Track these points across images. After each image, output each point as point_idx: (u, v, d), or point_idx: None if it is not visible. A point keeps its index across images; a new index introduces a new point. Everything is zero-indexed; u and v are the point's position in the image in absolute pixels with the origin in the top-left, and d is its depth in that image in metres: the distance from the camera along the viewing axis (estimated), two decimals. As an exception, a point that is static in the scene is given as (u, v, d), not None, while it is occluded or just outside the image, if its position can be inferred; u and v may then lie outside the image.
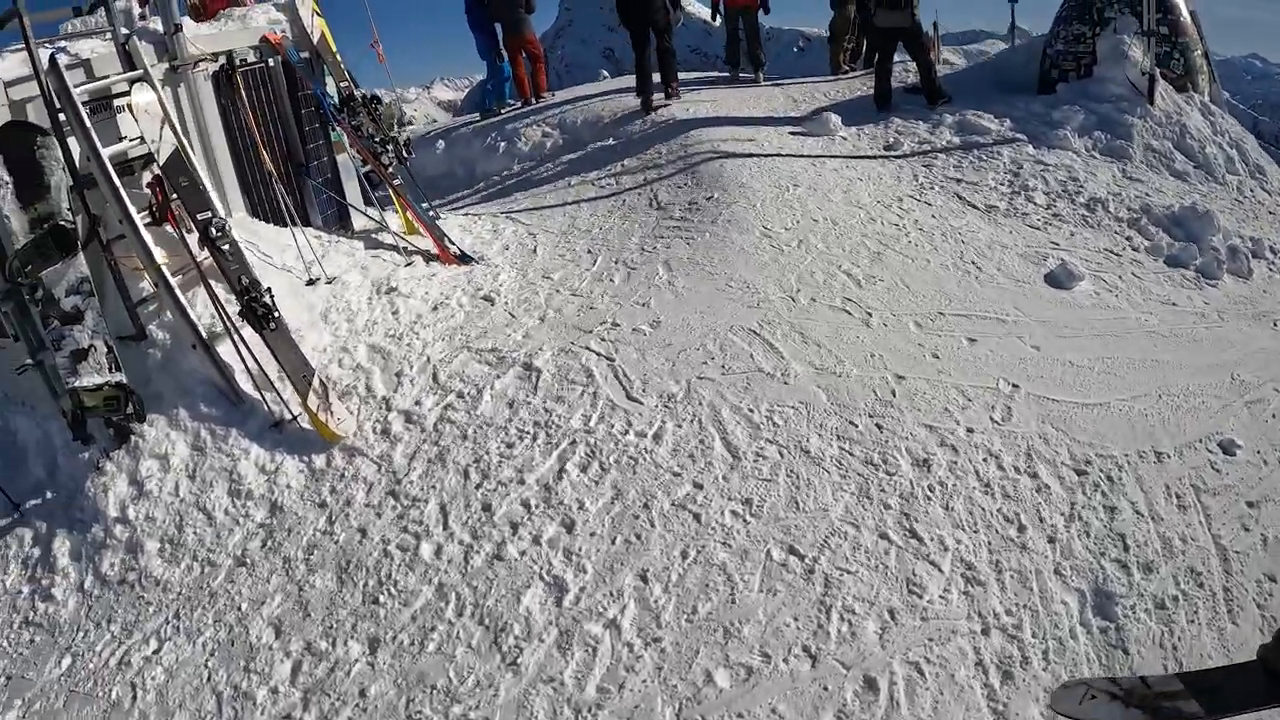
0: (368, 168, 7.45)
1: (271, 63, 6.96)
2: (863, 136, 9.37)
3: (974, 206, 7.74)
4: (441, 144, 12.17)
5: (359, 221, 7.56)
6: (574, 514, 4.33)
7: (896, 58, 10.33)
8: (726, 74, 12.77)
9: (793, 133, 9.47)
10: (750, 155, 8.48)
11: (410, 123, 16.40)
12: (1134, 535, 3.95)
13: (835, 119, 9.41)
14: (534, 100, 12.46)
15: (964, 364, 5.41)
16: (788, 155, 8.59)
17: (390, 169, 7.06)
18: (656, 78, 10.80)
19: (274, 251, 6.16)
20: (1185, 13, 9.89)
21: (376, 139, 7.20)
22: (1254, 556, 3.83)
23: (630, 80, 13.37)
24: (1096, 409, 4.93)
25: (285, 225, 6.33)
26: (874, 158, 8.79)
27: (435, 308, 6.18)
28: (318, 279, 6.11)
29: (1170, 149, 8.66)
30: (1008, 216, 7.62)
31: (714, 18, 12.34)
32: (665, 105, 10.64)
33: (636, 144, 9.66)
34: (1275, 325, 6.04)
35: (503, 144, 11.21)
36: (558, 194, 8.74)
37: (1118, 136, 8.79)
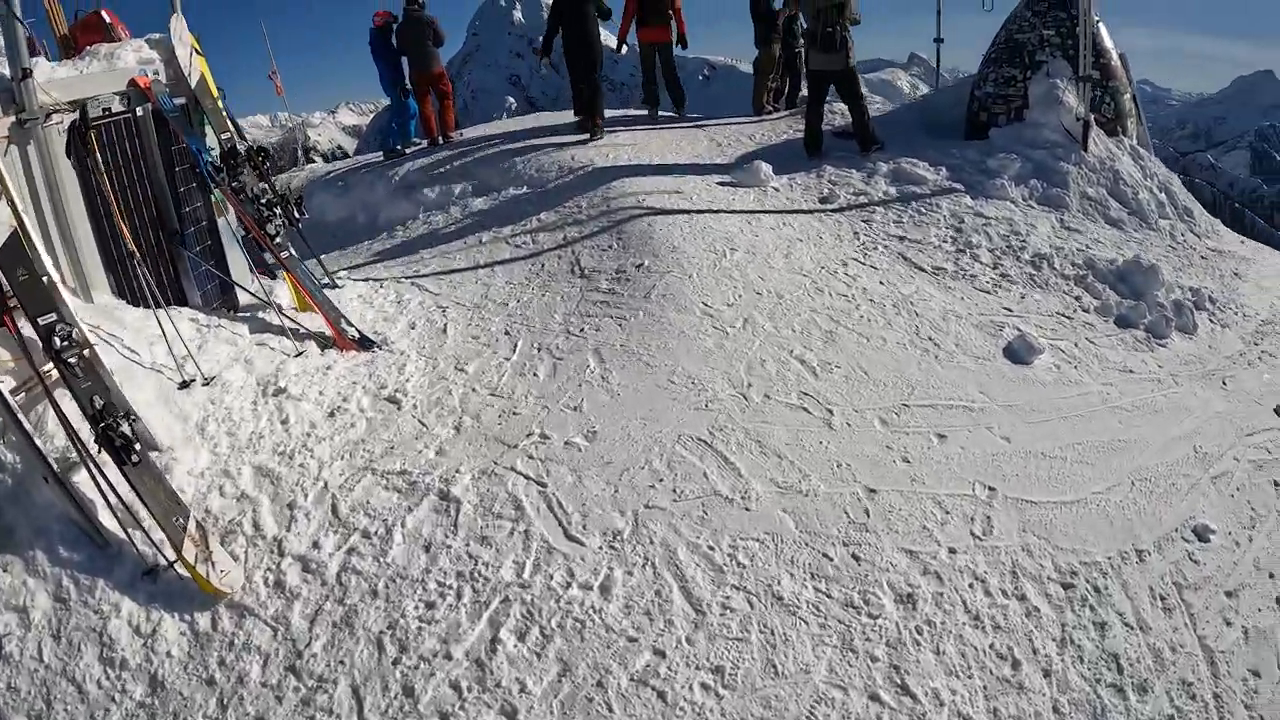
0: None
1: (140, 112, 5.92)
2: (796, 187, 8.81)
3: (921, 269, 7.23)
4: (342, 186, 11.23)
5: (245, 295, 6.59)
6: (515, 698, 3.52)
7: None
8: (645, 112, 12.10)
9: (721, 183, 8.85)
10: (679, 211, 7.82)
11: (313, 159, 15.33)
12: (1126, 653, 3.73)
13: (766, 168, 8.84)
14: (441, 140, 11.62)
15: (937, 467, 4.85)
16: (719, 211, 7.95)
17: (278, 238, 6.12)
18: None
19: (141, 346, 5.18)
20: (1115, 56, 9.68)
21: (263, 200, 6.26)
22: (1238, 654, 3.76)
23: (542, 119, 12.77)
24: (1074, 507, 4.58)
25: (158, 306, 5.35)
26: (810, 212, 8.24)
27: (332, 413, 5.28)
28: (193, 380, 5.16)
29: (1105, 196, 8.45)
30: (956, 279, 7.13)
31: (619, 48, 11.67)
32: (586, 140, 10.40)
33: (554, 194, 8.91)
34: (1224, 384, 5.93)
35: (407, 189, 10.34)
36: (469, 254, 7.91)
37: (1054, 184, 8.52)
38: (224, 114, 6.41)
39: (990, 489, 4.70)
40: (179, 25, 6.38)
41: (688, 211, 7.81)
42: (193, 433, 4.86)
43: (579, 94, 11.28)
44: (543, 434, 5.06)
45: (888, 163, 9.12)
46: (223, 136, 6.31)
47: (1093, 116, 8.94)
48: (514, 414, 5.30)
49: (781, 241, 7.43)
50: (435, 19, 11.32)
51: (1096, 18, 9.12)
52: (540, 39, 11.34)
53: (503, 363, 5.84)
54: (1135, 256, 7.31)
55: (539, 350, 5.95)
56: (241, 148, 6.27)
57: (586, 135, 10.69)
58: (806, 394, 5.45)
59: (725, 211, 7.97)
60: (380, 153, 12.16)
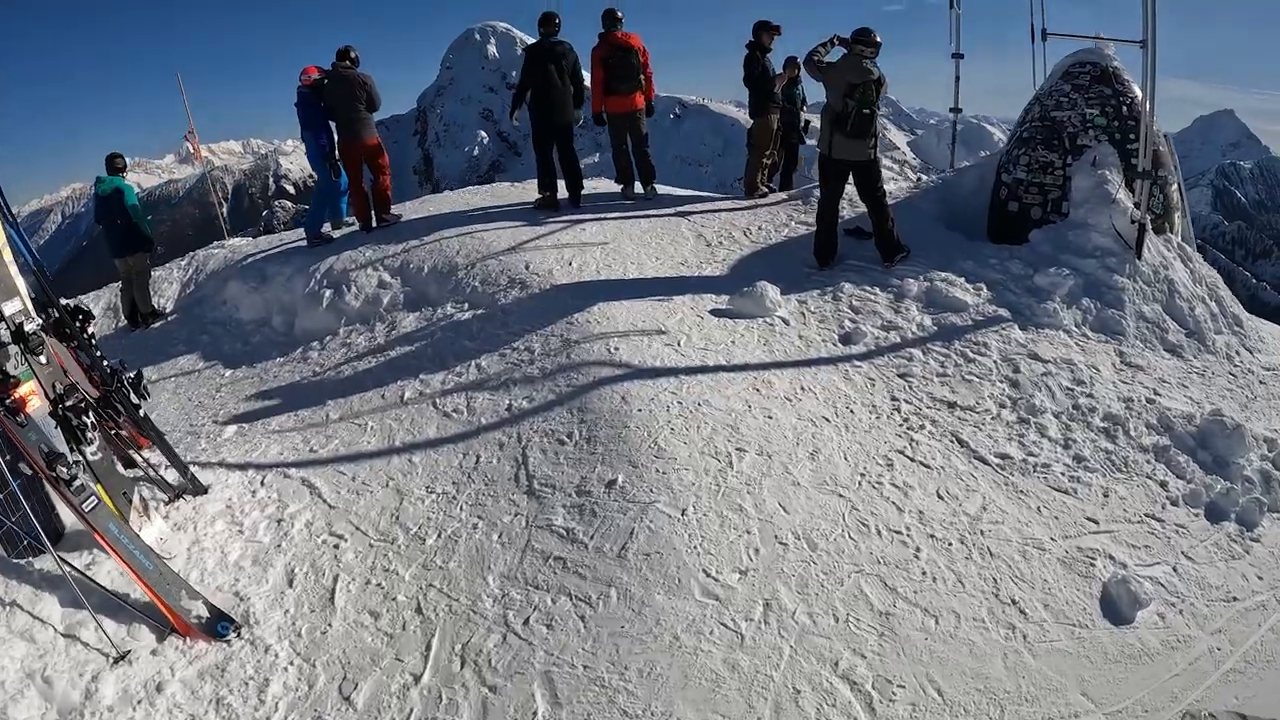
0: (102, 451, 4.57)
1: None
2: (809, 317, 7.02)
3: (983, 460, 5.47)
4: (258, 278, 9.33)
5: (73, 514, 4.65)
6: None
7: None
8: (618, 189, 10.29)
9: (716, 311, 7.04)
10: (664, 372, 5.98)
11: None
12: None
13: (772, 293, 7.05)
14: (375, 224, 9.71)
15: None
16: (718, 369, 6.12)
17: (78, 480, 4.19)
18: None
19: None
20: (1162, 139, 8.20)
21: (68, 403, 4.34)
22: None
23: (499, 191, 10.91)
24: None
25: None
26: (832, 361, 6.46)
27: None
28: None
29: (1161, 315, 7.11)
30: (1026, 474, 5.38)
31: (599, 121, 9.84)
32: (558, 217, 9.33)
33: (500, 322, 7.11)
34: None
35: (328, 292, 8.50)
36: (383, 423, 6.10)
37: (1108, 304, 7.11)
38: (13, 277, 4.46)
39: None
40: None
41: (675, 372, 5.94)
42: None
43: (543, 167, 9.71)
44: None
45: (918, 280, 7.43)
46: (9, 316, 4.34)
47: (1148, 218, 7.45)
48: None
49: (803, 425, 5.58)
50: (369, 77, 9.43)
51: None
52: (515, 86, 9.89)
53: (408, 687, 3.90)
54: (1216, 415, 5.89)
55: (462, 662, 4.01)
56: (30, 327, 4.32)
57: (551, 211, 9.57)
58: (864, 755, 3.60)
59: (725, 369, 6.13)
60: (304, 234, 10.17)
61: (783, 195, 9.93)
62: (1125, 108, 7.85)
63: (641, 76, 9.57)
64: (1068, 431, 5.78)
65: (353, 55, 9.43)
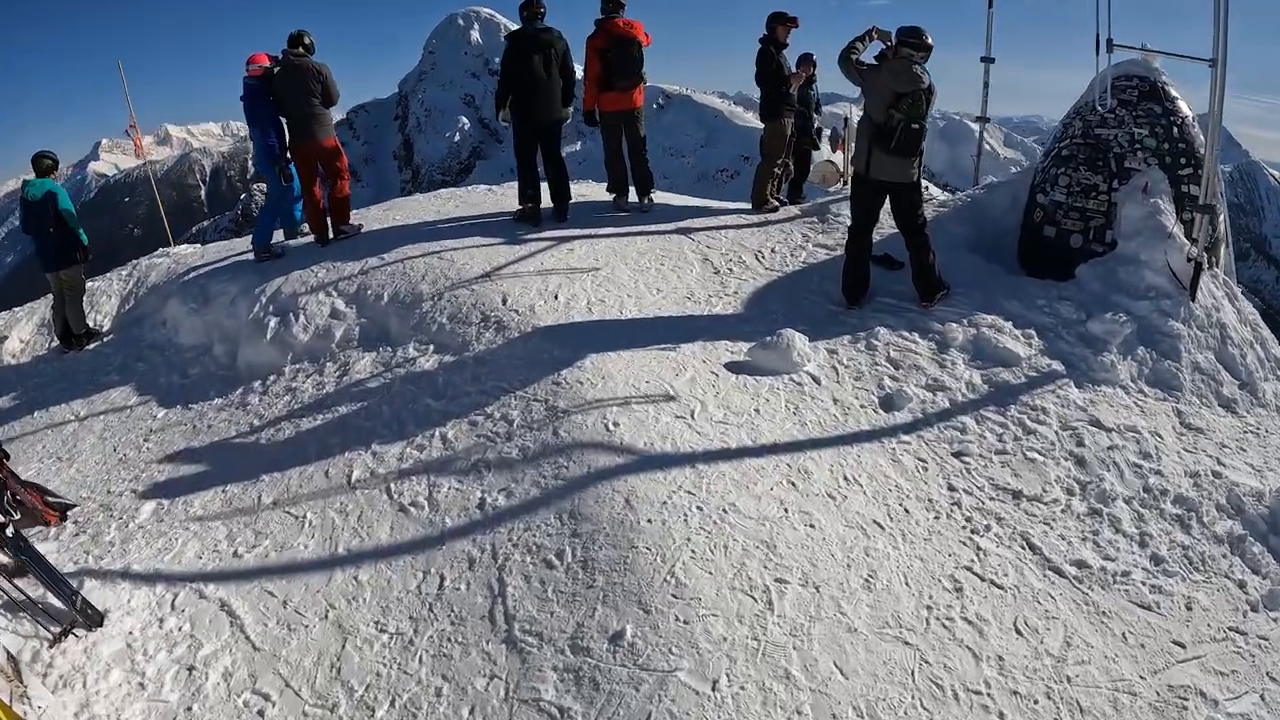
0: None
1: None
2: (842, 372, 5.89)
3: (1058, 571, 4.43)
4: (200, 298, 8.10)
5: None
6: None
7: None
8: (609, 198, 9.05)
9: (734, 365, 5.91)
10: (676, 460, 4.85)
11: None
12: None
13: (799, 344, 5.92)
14: (331, 237, 8.46)
15: None
16: (742, 454, 4.98)
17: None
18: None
19: None
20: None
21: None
22: None
23: (474, 199, 9.66)
24: None
25: None
26: (876, 435, 5.35)
27: None
28: None
29: (1215, 365, 6.25)
30: (1106, 587, 4.37)
31: (591, 121, 8.58)
32: (540, 233, 8.21)
33: (471, 373, 5.95)
34: None
35: (274, 321, 7.33)
36: (325, 515, 4.99)
37: (1163, 354, 6.20)
38: None
39: None
40: None
41: (691, 459, 4.79)
42: None
43: (524, 173, 8.52)
44: None
45: (961, 325, 6.36)
46: None
47: (1206, 257, 6.55)
48: None
49: (853, 535, 4.45)
50: (325, 67, 8.14)
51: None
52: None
53: None
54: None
55: None
56: None
57: (532, 225, 8.40)
58: None
59: (752, 451, 4.98)
60: (251, 248, 8.88)
61: (794, 210, 8.74)
62: (1176, 129, 6.82)
63: (643, 71, 8.33)
64: (1141, 523, 4.84)
65: (306, 41, 8.14)
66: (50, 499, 5.70)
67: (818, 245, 7.75)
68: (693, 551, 4.15)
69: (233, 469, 5.80)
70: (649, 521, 4.33)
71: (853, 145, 6.94)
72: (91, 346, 8.83)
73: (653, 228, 8.25)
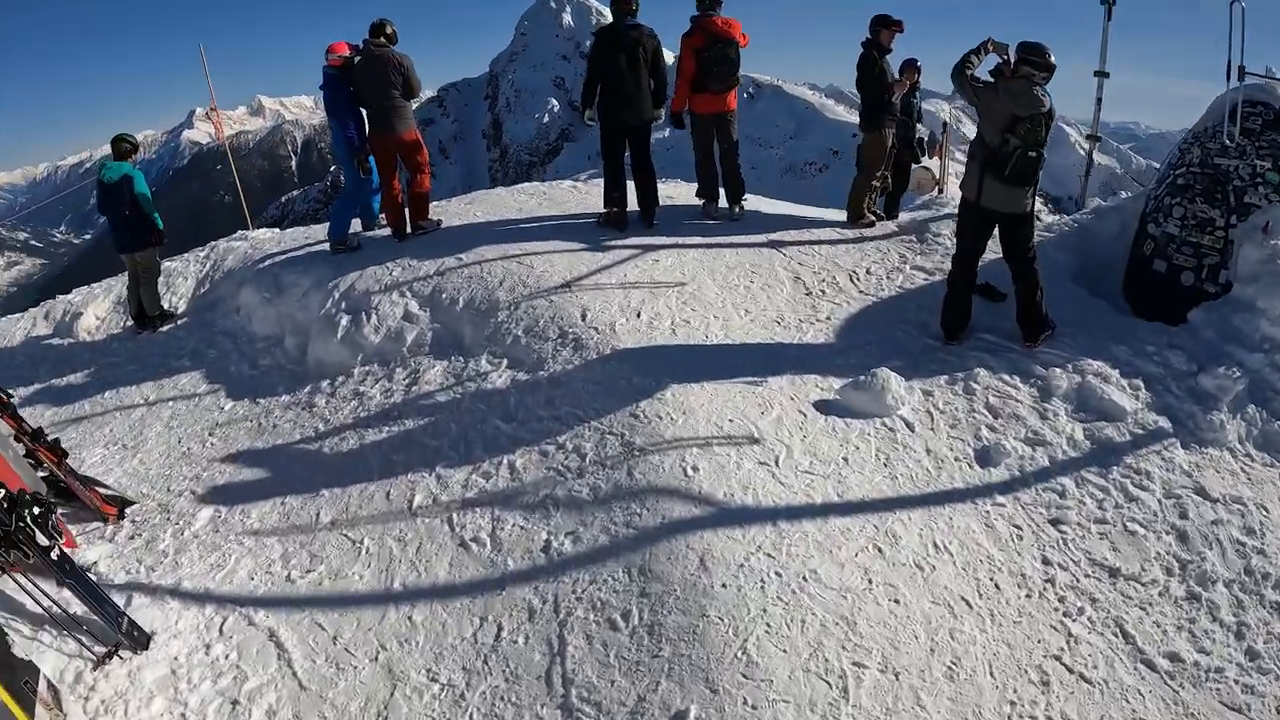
0: None
1: None
2: (937, 420, 5.41)
3: (1150, 665, 3.93)
4: (273, 288, 8.10)
5: None
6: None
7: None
8: (698, 204, 8.63)
9: (822, 405, 5.49)
10: (756, 516, 4.46)
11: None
12: None
13: (895, 387, 5.47)
14: (409, 231, 8.23)
15: None
16: (827, 511, 4.58)
17: None
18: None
19: None
20: None
21: None
22: None
23: (558, 196, 9.34)
24: None
25: None
26: (970, 495, 4.88)
27: None
28: None
29: None
30: (1198, 684, 3.86)
31: (679, 122, 8.16)
32: (625, 240, 7.78)
33: (545, 395, 5.64)
34: None
35: (345, 319, 7.09)
36: (380, 556, 4.70)
37: (1273, 415, 5.45)
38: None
39: None
40: None
41: (773, 515, 4.41)
42: None
43: (610, 174, 8.15)
44: None
45: (1066, 371, 5.79)
46: None
47: None
48: None
49: (939, 614, 4.04)
50: (408, 59, 7.87)
51: None
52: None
53: None
54: None
55: None
56: None
57: (617, 230, 7.99)
58: None
59: (837, 509, 4.57)
60: (327, 239, 8.68)
61: (891, 226, 8.21)
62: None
63: (740, 74, 7.89)
64: (1240, 611, 4.28)
65: (389, 31, 7.87)
66: (109, 494, 5.55)
67: (915, 268, 7.24)
68: (768, 625, 3.77)
69: (293, 479, 5.59)
70: (724, 586, 3.96)
71: (950, 150, 6.41)
72: (165, 328, 8.76)
73: (742, 239, 7.82)
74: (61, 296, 10.56)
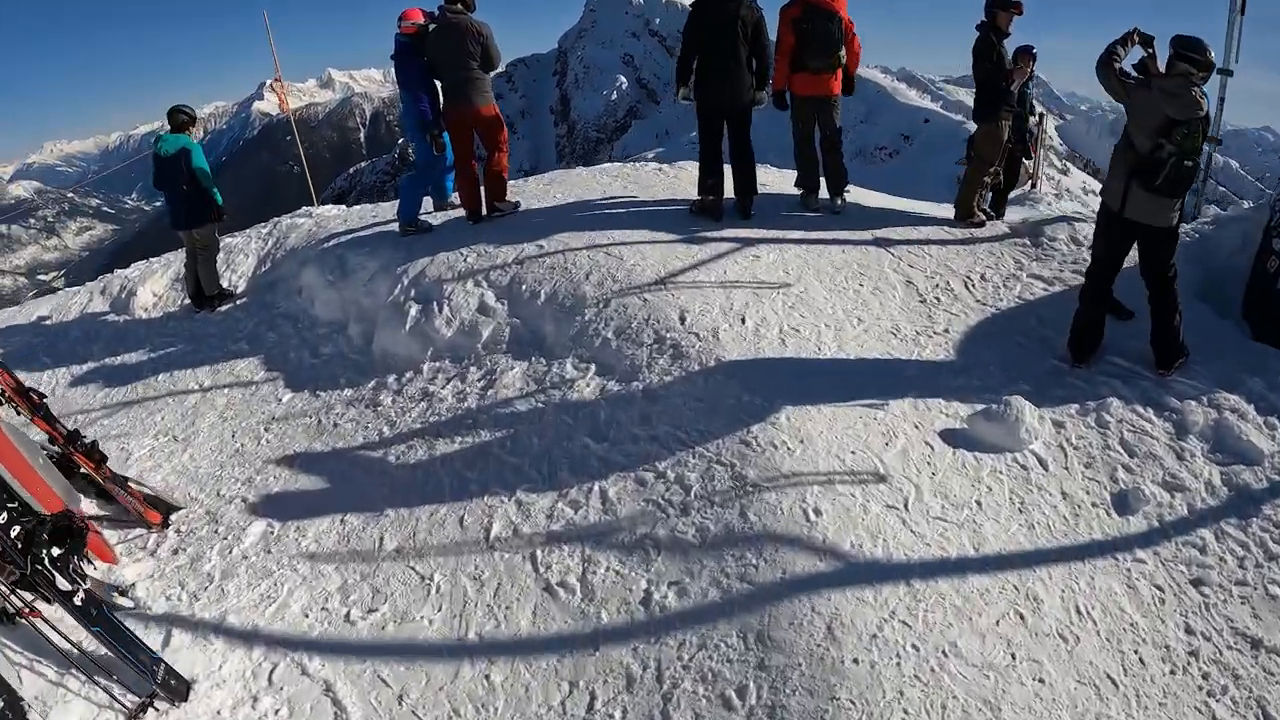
0: None
1: None
2: (1071, 458, 4.70)
3: None
4: (338, 269, 7.62)
5: None
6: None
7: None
8: (796, 193, 7.87)
9: (949, 436, 4.79)
10: (888, 573, 3.80)
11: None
12: None
13: (1029, 419, 4.76)
14: (483, 214, 7.62)
15: None
16: (963, 568, 3.91)
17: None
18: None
19: None
20: None
21: None
22: None
23: (645, 179, 8.64)
24: None
25: None
26: (1110, 549, 4.18)
27: None
28: None
29: None
30: None
31: (779, 102, 7.39)
32: (721, 231, 7.04)
33: (640, 410, 5.01)
34: None
35: (415, 308, 6.54)
36: (453, 597, 4.12)
37: None
38: None
39: None
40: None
41: (905, 573, 3.76)
42: None
43: (706, 160, 7.41)
44: None
45: (1202, 406, 5.01)
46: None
47: None
48: None
49: (1084, 697, 3.39)
50: (487, 27, 7.22)
51: None
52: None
53: None
54: None
55: None
56: None
57: (713, 220, 7.24)
58: None
59: (973, 564, 3.90)
60: (396, 219, 8.08)
61: (1002, 227, 7.39)
62: None
63: (844, 51, 7.11)
64: None
65: None
66: (154, 498, 5.04)
67: (1032, 276, 6.47)
68: (905, 712, 3.11)
69: (354, 491, 5.02)
70: (855, 662, 3.30)
71: (1047, 140, 5.57)
72: (224, 309, 8.32)
73: (847, 235, 7.07)
74: (120, 271, 10.24)
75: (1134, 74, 5.21)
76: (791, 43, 7.09)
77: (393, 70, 7.56)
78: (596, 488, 4.47)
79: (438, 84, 7.39)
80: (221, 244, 8.92)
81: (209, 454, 5.89)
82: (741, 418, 4.62)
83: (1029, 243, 6.99)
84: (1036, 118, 8.76)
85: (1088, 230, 6.82)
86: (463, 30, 7.07)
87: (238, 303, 8.40)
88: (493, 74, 7.59)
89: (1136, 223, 5.20)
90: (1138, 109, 5.07)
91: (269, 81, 10.64)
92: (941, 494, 4.31)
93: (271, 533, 4.79)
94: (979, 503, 4.31)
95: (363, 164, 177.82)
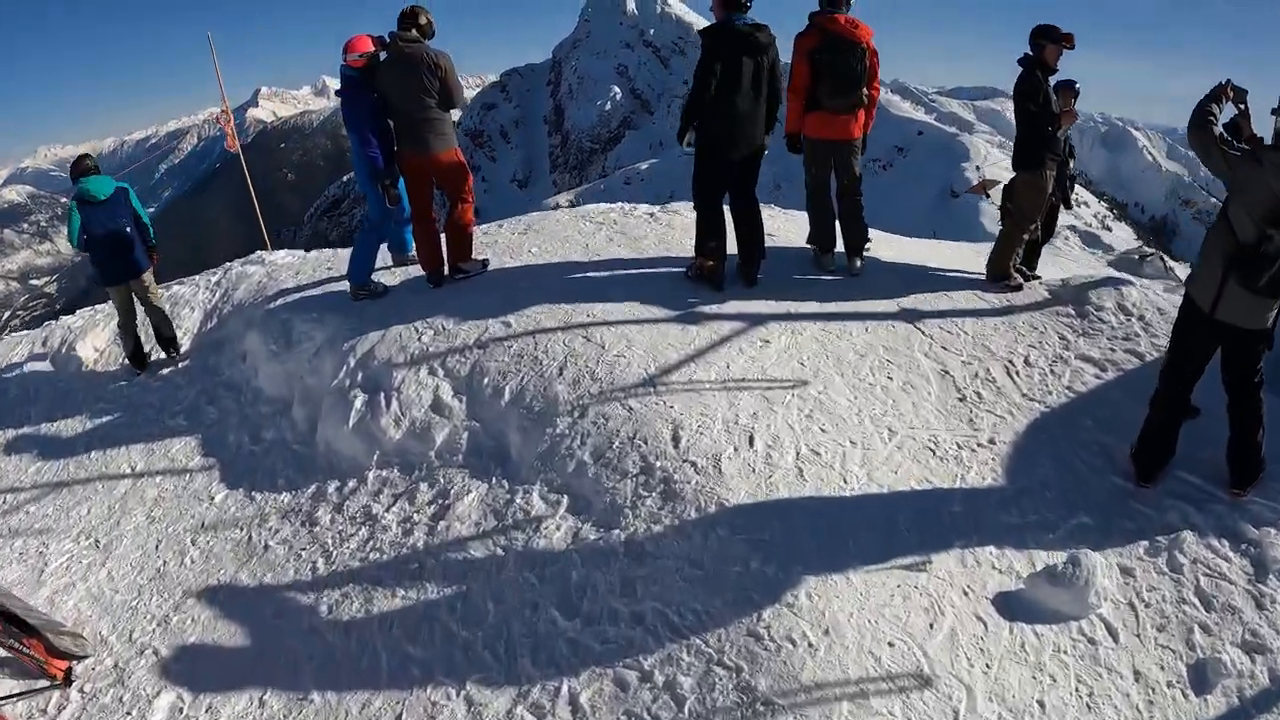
0: None
1: None
2: (1143, 619, 3.79)
3: None
4: (281, 338, 6.75)
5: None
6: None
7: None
8: (809, 253, 6.89)
9: (1004, 603, 3.83)
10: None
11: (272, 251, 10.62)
12: None
13: (1099, 579, 3.83)
14: (448, 275, 6.64)
15: None
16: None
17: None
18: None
19: None
20: None
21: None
22: None
23: (634, 230, 7.62)
24: None
25: None
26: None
27: None
28: None
29: None
30: None
31: (793, 147, 6.36)
32: (723, 305, 6.06)
33: (622, 577, 4.04)
34: None
35: (361, 399, 5.70)
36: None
37: None
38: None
39: None
40: None
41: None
42: None
43: (707, 216, 6.31)
44: None
45: None
46: None
47: None
48: None
49: None
50: (446, 58, 6.19)
51: None
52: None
53: None
54: None
55: None
56: None
57: (713, 289, 6.25)
58: None
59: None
60: (347, 282, 7.06)
61: (1042, 292, 6.40)
62: None
63: (866, 90, 6.12)
64: None
65: (422, 22, 6.17)
66: (57, 643, 4.30)
67: (1082, 358, 5.52)
68: None
69: (279, 658, 4.11)
70: None
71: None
72: (165, 372, 7.50)
73: (868, 306, 6.09)
74: (64, 319, 9.47)
75: (1234, 142, 4.20)
76: (806, 77, 6.10)
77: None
78: (565, 689, 3.49)
79: (391, 124, 6.38)
80: (165, 294, 8.04)
81: (128, 571, 5.12)
82: (751, 596, 3.62)
83: (1073, 312, 6.06)
84: (1074, 160, 7.75)
85: (1137, 297, 5.99)
86: (418, 62, 6.07)
87: (179, 365, 7.56)
88: (454, 113, 6.60)
89: (1230, 325, 4.22)
90: (1242, 187, 4.07)
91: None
92: (998, 697, 3.36)
93: (180, 709, 3.84)
94: (1041, 702, 3.36)
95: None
